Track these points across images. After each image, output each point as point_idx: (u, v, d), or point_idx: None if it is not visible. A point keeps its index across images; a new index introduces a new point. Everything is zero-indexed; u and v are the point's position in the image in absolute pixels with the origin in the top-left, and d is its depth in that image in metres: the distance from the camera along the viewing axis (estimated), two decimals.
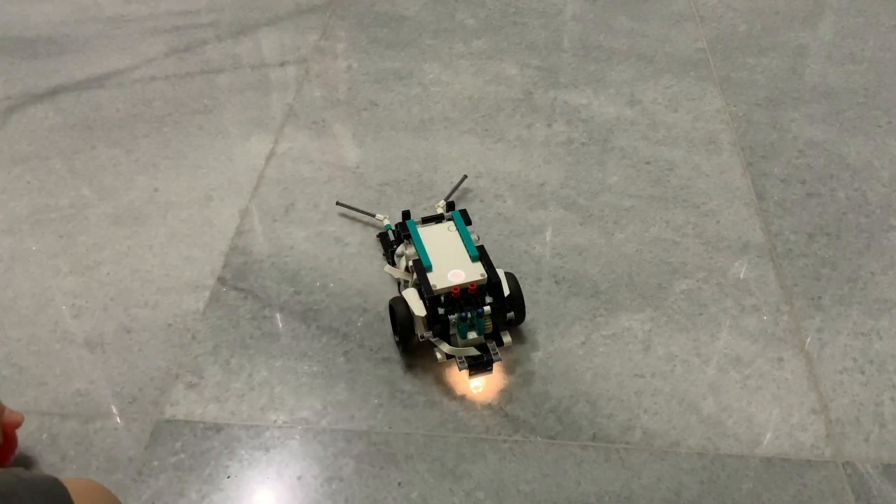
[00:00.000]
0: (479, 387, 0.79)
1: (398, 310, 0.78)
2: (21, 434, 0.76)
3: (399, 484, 0.71)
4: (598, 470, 0.72)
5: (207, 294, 0.89)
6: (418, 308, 0.76)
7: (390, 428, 0.76)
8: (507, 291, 0.79)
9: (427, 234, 0.83)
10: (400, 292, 0.82)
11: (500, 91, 1.21)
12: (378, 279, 0.90)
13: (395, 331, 0.81)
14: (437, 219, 0.87)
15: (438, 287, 0.76)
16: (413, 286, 0.80)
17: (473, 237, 0.83)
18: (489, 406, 0.77)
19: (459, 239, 0.83)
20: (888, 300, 0.87)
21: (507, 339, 0.80)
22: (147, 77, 1.26)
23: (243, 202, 1.02)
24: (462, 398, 0.78)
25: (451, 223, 0.86)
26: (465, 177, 1.02)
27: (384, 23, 1.38)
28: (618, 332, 0.84)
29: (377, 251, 0.94)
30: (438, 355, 0.78)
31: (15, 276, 0.92)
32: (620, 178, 1.04)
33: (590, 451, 0.73)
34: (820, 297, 0.88)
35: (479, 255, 0.80)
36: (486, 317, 0.76)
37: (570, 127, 1.13)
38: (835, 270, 0.91)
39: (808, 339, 0.83)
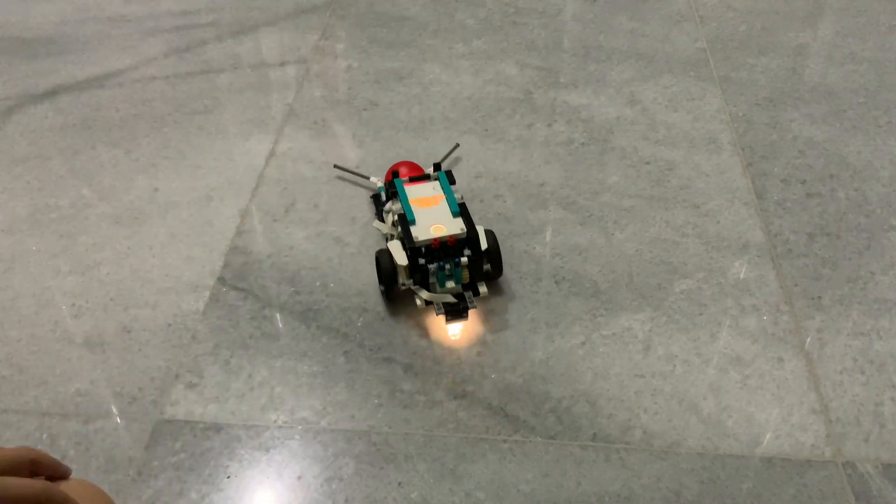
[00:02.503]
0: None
1: (383, 261, 0.84)
2: (21, 434, 0.76)
3: (399, 484, 0.71)
4: (598, 470, 0.72)
5: (207, 294, 0.89)
6: (401, 258, 0.82)
7: (390, 428, 0.76)
8: (484, 245, 0.84)
9: (413, 191, 0.89)
10: (386, 245, 0.87)
11: (500, 91, 1.21)
12: (377, 279, 0.90)
13: (381, 280, 0.86)
14: (425, 178, 0.92)
15: (420, 239, 0.82)
16: (398, 238, 0.85)
17: (457, 196, 0.88)
18: (489, 406, 0.77)
19: (443, 196, 0.88)
20: (888, 300, 0.87)
21: (483, 289, 0.85)
22: (147, 77, 1.26)
23: (243, 202, 1.02)
24: (462, 397, 0.78)
25: (437, 182, 0.91)
26: (458, 145, 1.07)
27: (384, 23, 1.38)
28: (618, 332, 0.84)
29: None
30: (418, 301, 0.83)
31: (15, 276, 0.92)
32: (620, 178, 1.04)
33: (590, 451, 0.73)
34: (820, 297, 0.88)
35: (461, 211, 0.86)
36: (463, 267, 0.82)
37: (570, 127, 1.13)
38: (835, 270, 0.91)
39: (808, 339, 0.83)
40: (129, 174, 1.07)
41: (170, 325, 0.86)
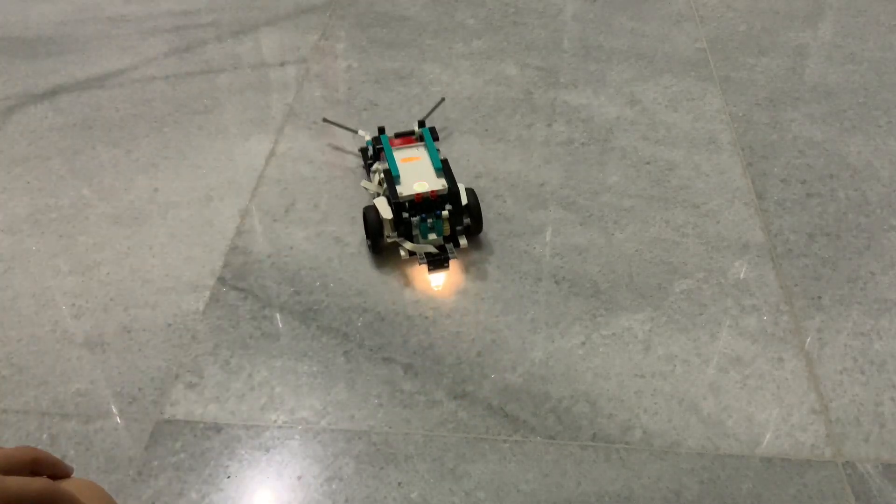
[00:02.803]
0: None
1: (369, 216, 0.90)
2: (21, 434, 0.76)
3: (399, 484, 0.71)
4: (598, 470, 0.72)
5: (207, 294, 0.89)
6: (386, 212, 0.88)
7: (390, 428, 0.76)
8: (465, 201, 0.90)
9: (399, 153, 0.95)
10: (373, 202, 0.92)
11: (500, 91, 1.21)
12: (378, 279, 0.90)
13: (367, 235, 0.91)
14: (409, 134, 0.99)
15: (404, 194, 0.88)
16: (383, 195, 0.91)
17: (441, 156, 0.93)
18: (489, 406, 0.77)
19: (427, 155, 0.94)
20: (888, 300, 0.87)
21: (463, 241, 0.91)
22: (147, 77, 1.26)
23: (243, 202, 1.02)
24: (462, 397, 0.78)
25: (423, 145, 0.97)
26: (443, 100, 1.13)
27: (384, 23, 1.38)
28: (618, 332, 0.84)
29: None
30: (402, 252, 0.89)
31: (15, 276, 0.92)
32: (620, 178, 1.04)
33: (590, 451, 0.73)
34: (820, 297, 0.88)
35: (443, 168, 0.91)
36: (444, 220, 0.89)
37: (570, 127, 1.13)
38: (835, 270, 0.91)
39: (808, 339, 0.83)
40: (129, 174, 1.07)
41: (170, 325, 0.86)
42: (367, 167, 1.01)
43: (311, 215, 0.99)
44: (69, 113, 1.18)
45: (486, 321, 0.85)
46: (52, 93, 1.23)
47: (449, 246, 0.90)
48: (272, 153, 1.10)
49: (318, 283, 0.90)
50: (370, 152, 1.01)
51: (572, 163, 1.07)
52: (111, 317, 0.87)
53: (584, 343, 0.83)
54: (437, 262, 0.88)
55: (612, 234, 0.96)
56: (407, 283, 0.90)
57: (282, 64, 1.29)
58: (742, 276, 0.90)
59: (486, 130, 1.13)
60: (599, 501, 0.70)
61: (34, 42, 1.36)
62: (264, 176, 1.06)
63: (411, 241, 0.89)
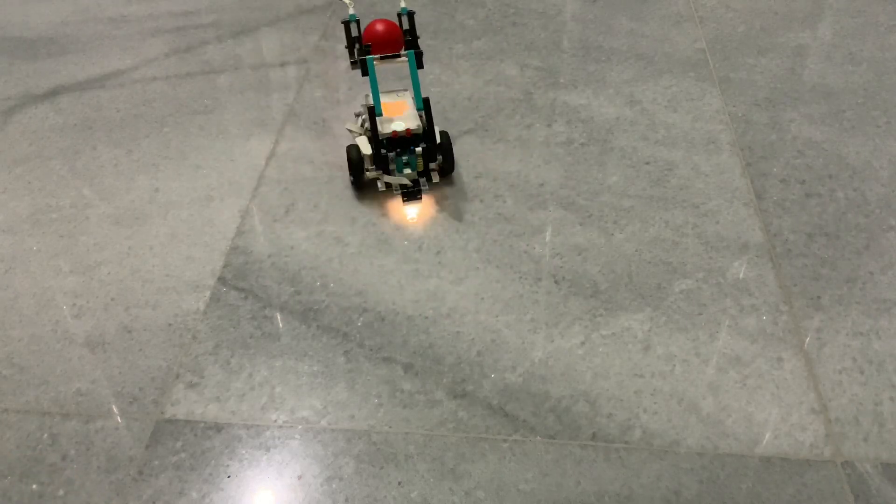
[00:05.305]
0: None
1: (352, 154, 0.99)
2: (22, 434, 0.76)
3: (399, 483, 0.71)
4: (597, 469, 0.72)
5: (208, 294, 0.89)
6: (366, 148, 0.97)
7: (390, 428, 0.76)
8: (438, 139, 0.99)
9: (385, 97, 1.02)
10: (355, 142, 0.99)
11: (500, 91, 1.21)
12: (378, 279, 0.91)
13: (350, 171, 1.00)
14: (395, 57, 1.02)
15: (383, 132, 0.96)
16: (364, 135, 0.99)
17: (423, 94, 0.99)
18: (489, 406, 0.77)
19: (409, 100, 1.01)
20: (887, 300, 0.87)
21: (435, 178, 1.00)
22: (148, 77, 1.26)
23: (244, 202, 1.02)
24: (462, 397, 0.78)
25: (406, 91, 1.03)
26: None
27: None
28: (617, 331, 0.84)
29: (378, 251, 0.94)
30: (380, 185, 0.99)
31: (16, 276, 0.93)
32: (620, 178, 1.04)
33: (589, 451, 0.74)
34: (819, 297, 0.88)
35: (424, 108, 0.98)
36: (418, 156, 0.98)
37: (570, 127, 1.13)
38: (834, 270, 0.91)
39: (808, 339, 0.83)
40: (129, 174, 1.07)
41: (170, 324, 0.86)
42: (350, 46, 1.03)
43: (311, 215, 1.00)
44: (70, 113, 1.19)
45: (486, 321, 0.85)
46: (53, 93, 1.23)
47: (422, 180, 0.99)
48: (272, 153, 1.10)
49: (318, 283, 0.90)
50: (353, 33, 1.03)
51: (572, 163, 1.07)
52: (112, 316, 0.87)
53: (583, 343, 0.83)
54: (410, 194, 0.98)
55: (612, 234, 0.96)
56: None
57: (282, 64, 1.29)
58: (741, 275, 0.90)
59: (486, 130, 1.13)
60: (599, 501, 0.70)
61: (35, 42, 1.36)
62: (265, 176, 1.06)
63: (388, 174, 0.98)
